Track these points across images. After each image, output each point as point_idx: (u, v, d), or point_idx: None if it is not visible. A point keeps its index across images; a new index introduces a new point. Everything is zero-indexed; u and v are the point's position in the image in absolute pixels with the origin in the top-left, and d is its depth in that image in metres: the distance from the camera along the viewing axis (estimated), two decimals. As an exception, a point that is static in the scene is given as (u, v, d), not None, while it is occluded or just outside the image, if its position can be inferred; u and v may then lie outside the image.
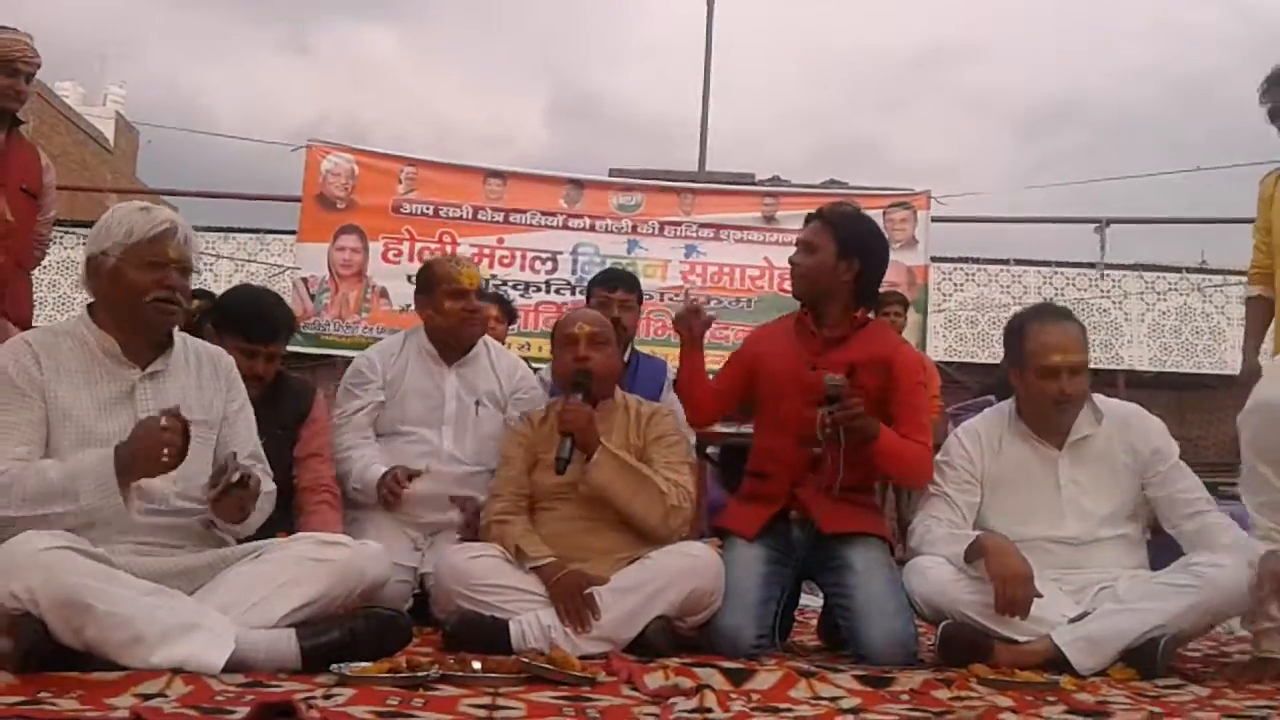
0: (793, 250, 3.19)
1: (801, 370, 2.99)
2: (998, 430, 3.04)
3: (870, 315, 3.19)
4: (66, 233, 8.67)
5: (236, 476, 2.31)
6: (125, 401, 2.42)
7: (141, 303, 2.41)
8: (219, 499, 2.34)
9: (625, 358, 3.73)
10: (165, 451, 2.22)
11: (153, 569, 2.28)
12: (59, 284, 8.72)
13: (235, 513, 2.39)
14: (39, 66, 3.80)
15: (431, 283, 3.48)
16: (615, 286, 4.12)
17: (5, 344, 2.46)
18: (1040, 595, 2.68)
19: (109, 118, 16.96)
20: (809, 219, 3.18)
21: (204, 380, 2.56)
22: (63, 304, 8.69)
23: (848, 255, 3.06)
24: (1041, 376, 2.89)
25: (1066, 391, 2.88)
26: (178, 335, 2.57)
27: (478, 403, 3.46)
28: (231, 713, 1.76)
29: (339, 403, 3.50)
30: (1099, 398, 3.01)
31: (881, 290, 6.33)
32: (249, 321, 3.23)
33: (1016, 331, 2.99)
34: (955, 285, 9.04)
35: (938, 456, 3.11)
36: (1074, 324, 2.98)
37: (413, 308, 3.69)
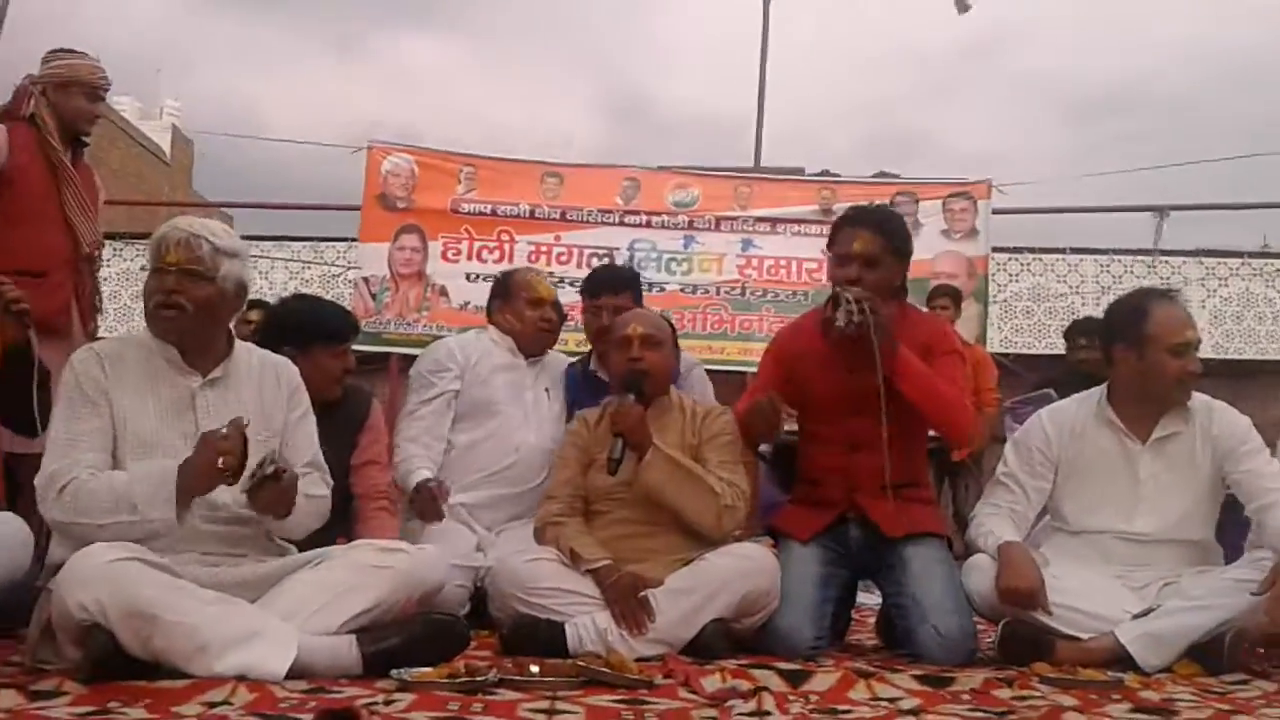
0: None
1: (842, 380, 2.94)
2: (1083, 416, 2.99)
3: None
4: (127, 245, 8.85)
5: (271, 469, 2.31)
6: (186, 409, 2.47)
7: (148, 308, 2.48)
8: (253, 491, 2.33)
9: None
10: (221, 461, 2.25)
11: (216, 578, 2.33)
12: (120, 295, 8.87)
13: (274, 506, 2.38)
14: (109, 88, 3.91)
15: (510, 290, 3.70)
16: (598, 293, 3.75)
17: (75, 353, 2.51)
18: (1051, 613, 2.68)
19: (165, 131, 17.28)
20: (848, 224, 3.01)
21: (265, 389, 2.59)
22: (123, 315, 8.84)
23: (902, 259, 3.03)
24: (1173, 354, 2.85)
25: (1193, 369, 2.86)
26: (240, 344, 2.62)
27: (546, 390, 3.65)
28: (295, 719, 1.79)
29: (414, 389, 3.59)
30: None
31: (934, 284, 6.32)
32: (330, 323, 3.34)
33: (1136, 312, 2.91)
34: (1010, 276, 8.88)
35: (1016, 435, 3.08)
36: None
37: (471, 305, 3.77)
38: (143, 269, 2.66)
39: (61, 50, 3.80)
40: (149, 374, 2.47)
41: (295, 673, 2.16)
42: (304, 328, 3.28)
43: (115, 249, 8.95)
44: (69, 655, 2.18)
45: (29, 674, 2.17)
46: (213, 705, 1.89)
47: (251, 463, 2.31)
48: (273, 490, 2.34)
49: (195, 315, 2.46)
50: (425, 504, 3.30)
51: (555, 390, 3.68)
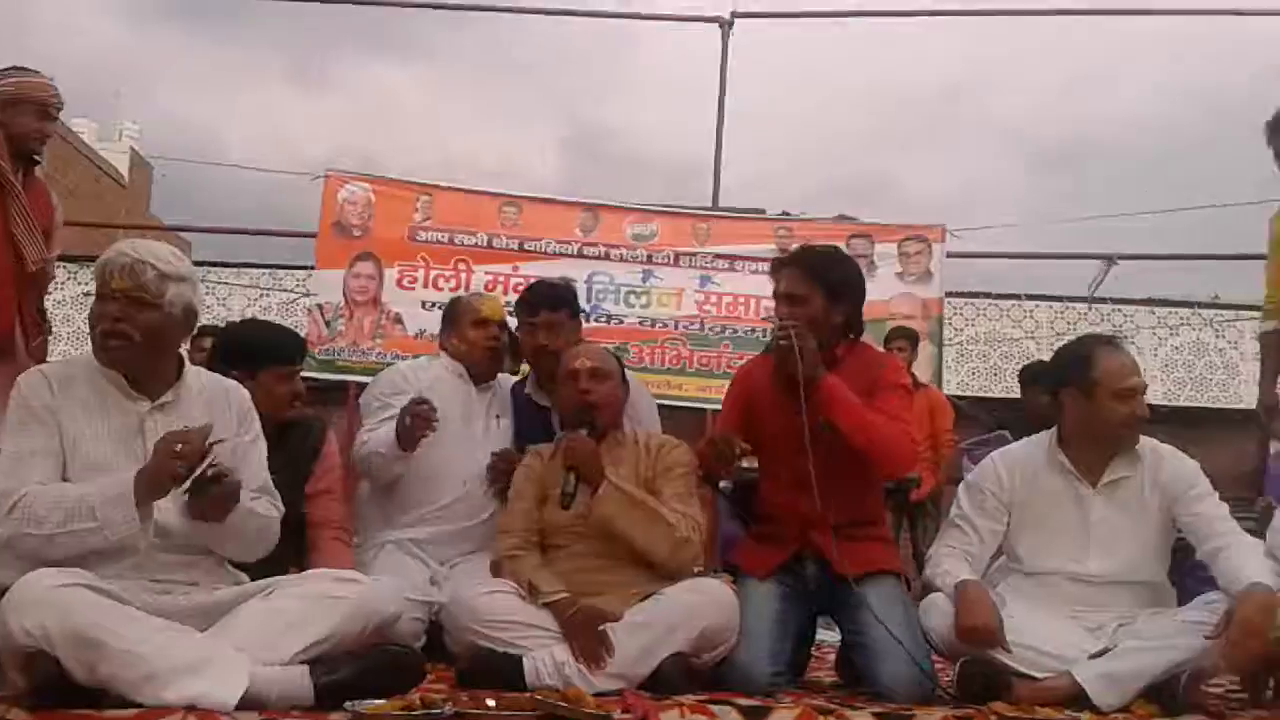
0: None
1: (792, 419, 2.93)
2: (1035, 459, 3.02)
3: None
4: (82, 267, 8.73)
5: (211, 472, 2.27)
6: (135, 433, 2.42)
7: (94, 337, 2.44)
8: (193, 494, 2.29)
9: None
10: (180, 446, 2.21)
11: (166, 607, 2.28)
12: (73, 319, 8.76)
13: (213, 511, 2.33)
14: (62, 108, 3.86)
15: (456, 314, 3.69)
16: (537, 309, 3.58)
17: (22, 375, 2.47)
18: (1009, 650, 2.69)
19: (123, 153, 17.10)
20: (779, 266, 3.11)
21: (216, 413, 2.54)
22: (77, 338, 8.71)
23: (836, 300, 3.03)
24: (1120, 399, 2.88)
25: (1140, 413, 2.90)
26: (190, 368, 2.58)
27: (497, 417, 3.61)
28: (245, 751, 1.75)
29: (368, 414, 3.53)
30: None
31: (892, 325, 6.36)
32: (278, 346, 3.29)
33: (1083, 359, 2.95)
34: (966, 320, 9.02)
35: (968, 477, 3.10)
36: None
37: (426, 333, 3.77)
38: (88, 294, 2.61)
39: (12, 69, 3.77)
40: (98, 397, 2.43)
41: (246, 703, 2.11)
42: (252, 351, 3.22)
43: (70, 272, 8.84)
44: (14, 682, 2.12)
45: (-29, 701, 2.11)
46: (161, 735, 1.85)
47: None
48: (213, 494, 2.30)
49: (142, 343, 2.41)
50: (416, 416, 3.20)
51: (505, 417, 3.63)
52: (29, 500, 2.24)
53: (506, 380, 3.79)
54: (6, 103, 3.69)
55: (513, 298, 7.18)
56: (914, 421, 3.07)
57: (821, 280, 3.02)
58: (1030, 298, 9.21)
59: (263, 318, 8.83)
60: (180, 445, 2.22)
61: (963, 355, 8.91)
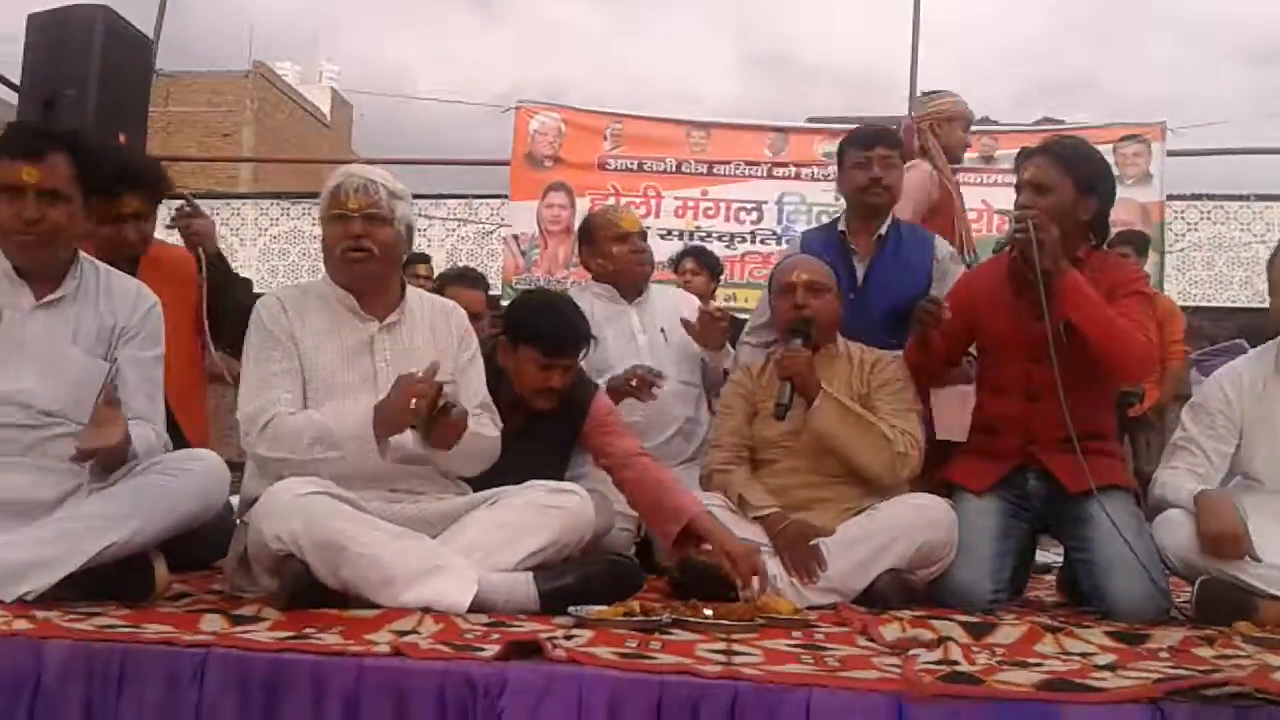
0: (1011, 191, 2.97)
1: (1024, 324, 2.81)
2: (1262, 371, 2.82)
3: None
4: (293, 204, 9.22)
5: (442, 403, 2.34)
6: (364, 352, 2.54)
7: (334, 255, 2.53)
8: (425, 425, 2.36)
9: (884, 230, 3.42)
10: (414, 402, 2.30)
11: (399, 514, 2.39)
12: (288, 252, 9.26)
13: (443, 440, 2.39)
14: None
15: (593, 234, 3.66)
16: (873, 144, 3.43)
17: (259, 301, 2.60)
18: (1259, 559, 2.52)
19: (325, 94, 17.86)
20: (1028, 155, 2.93)
21: (438, 332, 2.65)
22: (291, 271, 9.21)
23: (1086, 193, 2.86)
24: None
25: None
26: (411, 289, 2.67)
27: (662, 330, 3.57)
28: (480, 650, 1.82)
29: None
30: None
31: (1115, 230, 5.96)
32: (547, 336, 2.89)
33: None
34: (1189, 224, 8.38)
35: (1192, 399, 2.91)
36: None
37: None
38: (314, 223, 2.72)
39: (936, 91, 4.37)
40: (330, 319, 2.55)
41: (476, 607, 2.21)
42: (523, 323, 2.95)
43: (283, 208, 9.36)
44: (264, 584, 2.28)
45: (230, 601, 2.28)
46: (402, 634, 1.94)
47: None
48: (443, 424, 2.37)
49: (380, 257, 2.52)
50: (641, 383, 3.26)
51: (671, 327, 3.53)
52: (278, 424, 2.38)
53: (663, 294, 3.75)
54: (943, 119, 4.19)
55: (703, 222, 7.21)
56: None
57: (1074, 171, 2.85)
58: (1260, 198, 8.47)
59: (460, 248, 9.12)
60: (415, 401, 2.30)
61: (1185, 262, 8.30)
